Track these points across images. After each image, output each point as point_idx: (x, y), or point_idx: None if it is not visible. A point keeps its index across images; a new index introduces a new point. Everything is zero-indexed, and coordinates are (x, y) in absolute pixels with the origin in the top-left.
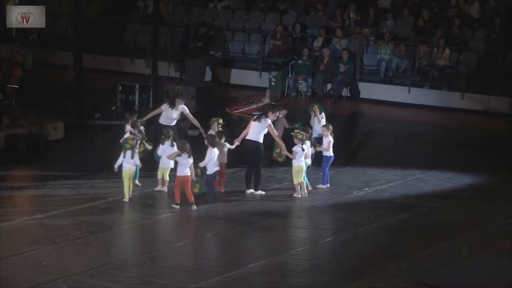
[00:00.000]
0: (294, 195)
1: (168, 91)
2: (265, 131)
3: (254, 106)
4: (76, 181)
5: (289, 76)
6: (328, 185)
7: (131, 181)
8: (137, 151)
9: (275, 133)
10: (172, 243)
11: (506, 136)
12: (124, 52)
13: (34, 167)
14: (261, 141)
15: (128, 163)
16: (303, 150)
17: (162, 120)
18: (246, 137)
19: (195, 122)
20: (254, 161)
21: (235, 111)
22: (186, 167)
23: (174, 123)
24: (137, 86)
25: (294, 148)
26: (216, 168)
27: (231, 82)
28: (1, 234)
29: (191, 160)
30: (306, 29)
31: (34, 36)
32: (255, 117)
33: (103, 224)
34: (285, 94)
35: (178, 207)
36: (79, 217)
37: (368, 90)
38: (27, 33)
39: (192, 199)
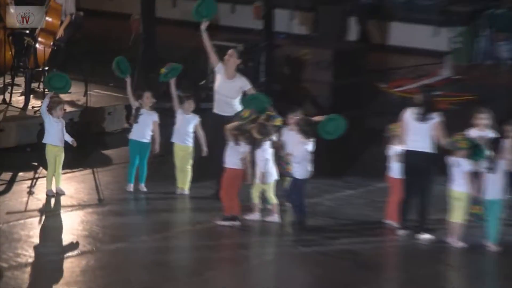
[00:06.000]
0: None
1: (290, 57)
2: None
3: (426, 81)
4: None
5: (482, 34)
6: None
7: None
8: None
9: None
10: None
11: None
12: None
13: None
14: None
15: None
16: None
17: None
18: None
19: None
20: None
21: (397, 89)
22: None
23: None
24: (240, 47)
25: None
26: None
27: (390, 43)
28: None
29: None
30: None
31: None
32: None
33: None
34: (473, 63)
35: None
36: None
37: None
38: None
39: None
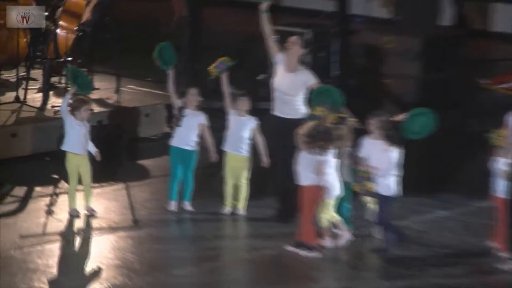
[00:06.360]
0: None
1: (369, 45)
2: None
3: None
4: None
5: None
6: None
7: None
8: None
9: None
10: None
11: None
12: None
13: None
14: None
15: None
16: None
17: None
18: None
19: None
20: None
21: (502, 86)
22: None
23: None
24: (307, 34)
25: None
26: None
27: (494, 29)
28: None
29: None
30: None
31: None
32: None
33: None
34: None
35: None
36: None
37: None
38: None
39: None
